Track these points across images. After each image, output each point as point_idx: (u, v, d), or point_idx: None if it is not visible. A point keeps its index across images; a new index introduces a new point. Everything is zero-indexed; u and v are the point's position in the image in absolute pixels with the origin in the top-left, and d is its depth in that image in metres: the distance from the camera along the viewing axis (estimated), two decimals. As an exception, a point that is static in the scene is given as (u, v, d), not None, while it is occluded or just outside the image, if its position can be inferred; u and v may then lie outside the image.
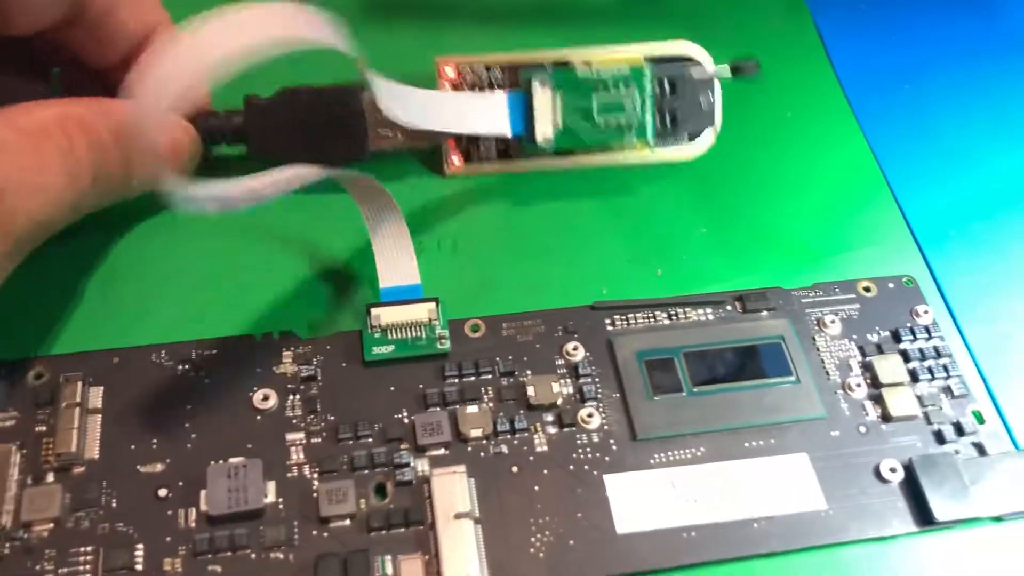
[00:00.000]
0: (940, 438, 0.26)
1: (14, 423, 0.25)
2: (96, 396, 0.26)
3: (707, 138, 0.32)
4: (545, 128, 0.30)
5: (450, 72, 0.31)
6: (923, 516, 0.25)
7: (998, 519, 0.25)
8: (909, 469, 0.26)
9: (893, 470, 0.26)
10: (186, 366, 0.27)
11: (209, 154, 0.30)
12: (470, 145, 0.31)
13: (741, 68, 0.31)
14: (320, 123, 0.29)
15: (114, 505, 0.24)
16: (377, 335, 0.27)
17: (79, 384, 0.26)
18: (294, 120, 0.29)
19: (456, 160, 0.31)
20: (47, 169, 0.23)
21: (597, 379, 0.27)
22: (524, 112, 0.30)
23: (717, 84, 0.31)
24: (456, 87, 0.31)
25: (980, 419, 0.27)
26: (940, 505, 0.25)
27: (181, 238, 0.30)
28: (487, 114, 0.30)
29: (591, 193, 0.32)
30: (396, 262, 0.28)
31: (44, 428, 0.25)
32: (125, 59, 0.27)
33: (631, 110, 0.30)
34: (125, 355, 0.27)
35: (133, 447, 0.25)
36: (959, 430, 0.27)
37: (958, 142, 0.34)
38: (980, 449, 0.26)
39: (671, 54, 0.31)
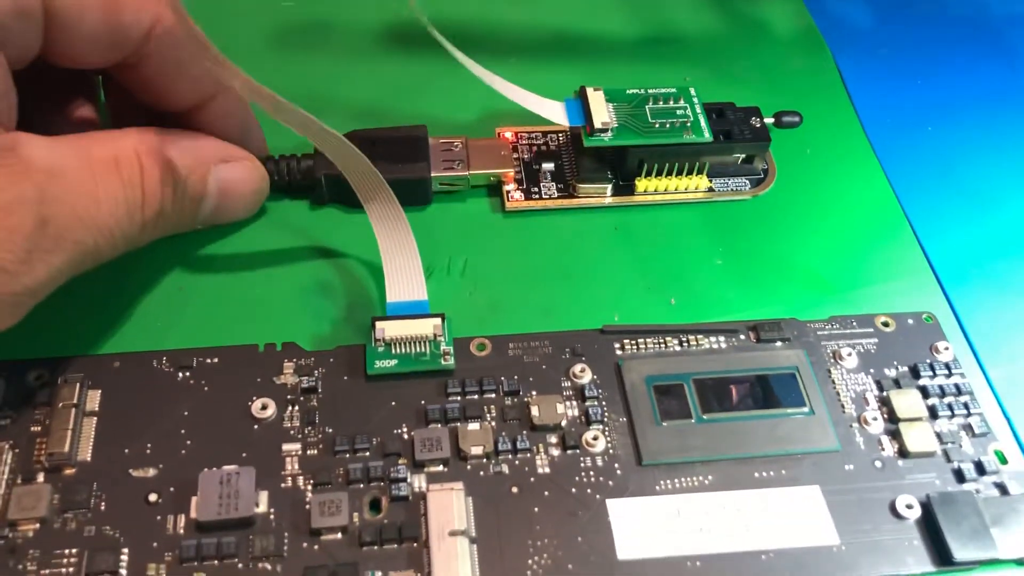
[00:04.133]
0: (960, 476, 0.25)
1: (9, 422, 0.25)
2: (94, 399, 0.26)
3: (769, 176, 0.32)
4: (602, 116, 0.31)
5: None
6: (941, 556, 0.24)
7: (1021, 563, 0.24)
8: (927, 506, 0.25)
9: (910, 507, 0.25)
10: (186, 373, 0.26)
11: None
12: (529, 184, 0.32)
13: (786, 120, 0.32)
14: (388, 161, 0.29)
15: (103, 508, 0.24)
16: (381, 349, 0.26)
17: (77, 386, 0.25)
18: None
19: (517, 194, 0.31)
20: (103, 202, 0.23)
21: (604, 402, 0.26)
22: (581, 111, 0.31)
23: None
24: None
25: (1003, 459, 0.26)
26: (959, 545, 0.24)
27: (190, 246, 0.30)
28: (547, 106, 0.31)
29: (609, 221, 0.31)
30: (404, 277, 0.28)
31: (39, 428, 0.25)
32: (180, 110, 0.27)
33: (683, 115, 0.31)
34: (126, 360, 0.26)
35: (127, 451, 0.25)
36: (980, 469, 0.26)
37: (980, 182, 0.33)
38: (1002, 489, 0.25)
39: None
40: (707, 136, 0.31)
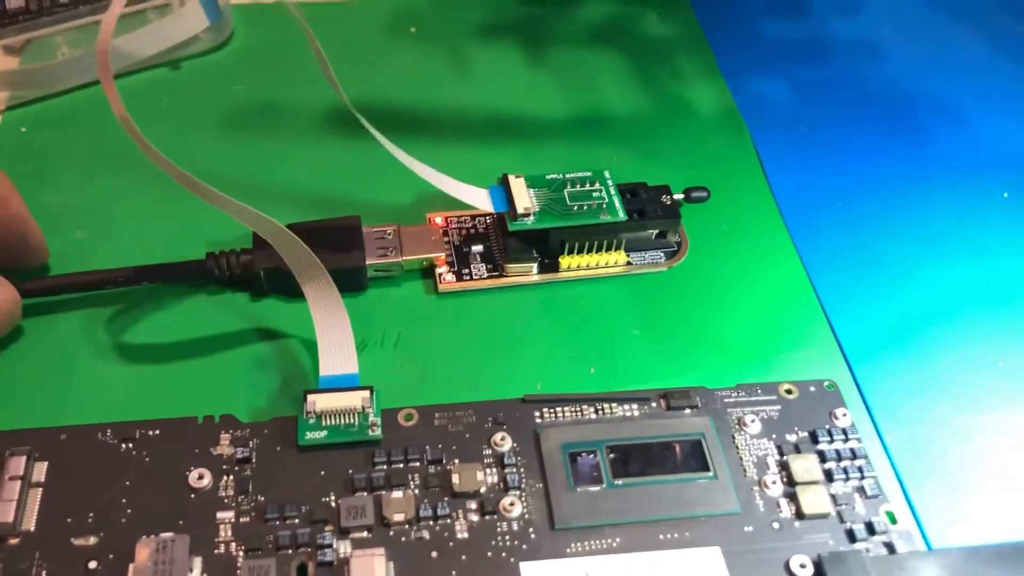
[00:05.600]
0: (852, 536, 0.27)
1: (-43, 494, 0.26)
2: (40, 471, 0.27)
3: (682, 248, 0.35)
4: (524, 203, 0.33)
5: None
6: (831, 613, 0.26)
7: (905, 618, 0.26)
8: (818, 565, 0.26)
9: (803, 566, 0.26)
10: (129, 444, 0.28)
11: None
12: (460, 266, 0.34)
13: (694, 195, 0.35)
14: (325, 251, 0.31)
15: (44, 576, 0.25)
16: (312, 421, 0.28)
17: (24, 458, 0.27)
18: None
19: (449, 276, 0.33)
20: None
21: (522, 469, 0.28)
22: (504, 196, 0.33)
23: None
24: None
25: (893, 519, 0.28)
26: (847, 602, 0.25)
27: (133, 321, 0.31)
28: (473, 193, 0.34)
29: (536, 298, 0.33)
30: (336, 352, 0.29)
31: (-15, 500, 0.26)
32: None
33: (599, 196, 0.33)
34: (72, 432, 0.28)
35: (70, 520, 0.26)
36: (871, 529, 0.27)
37: (886, 256, 0.35)
38: (890, 548, 0.27)
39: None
40: (621, 215, 0.33)
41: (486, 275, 0.33)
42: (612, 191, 0.34)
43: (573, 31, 0.45)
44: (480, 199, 0.33)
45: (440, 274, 0.33)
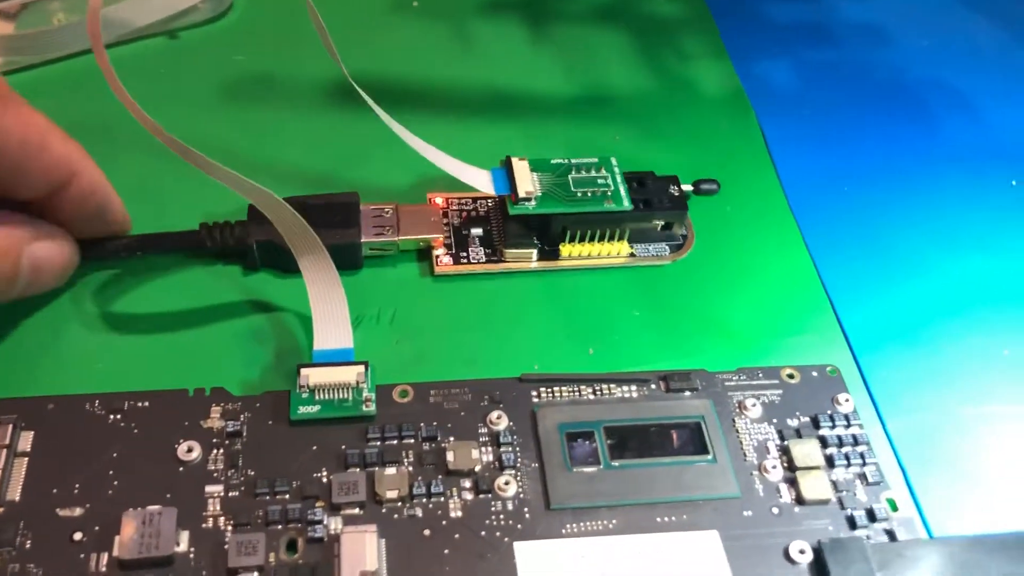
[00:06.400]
0: (852, 523, 0.27)
1: (-59, 462, 0.26)
2: (27, 440, 0.27)
3: (688, 241, 0.34)
4: (527, 186, 0.32)
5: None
6: (829, 600, 0.25)
7: (905, 606, 0.25)
8: (818, 552, 0.26)
9: (802, 552, 0.26)
10: (117, 416, 0.27)
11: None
12: (458, 249, 0.33)
13: (704, 187, 0.34)
14: (321, 227, 0.30)
15: (28, 546, 0.25)
16: (305, 395, 0.28)
17: (10, 427, 0.26)
18: None
19: (446, 259, 0.33)
20: None
21: (518, 448, 0.28)
22: (506, 179, 0.32)
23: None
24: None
25: (894, 506, 0.27)
26: (846, 589, 0.25)
27: (126, 293, 0.31)
28: (475, 174, 0.33)
29: (533, 280, 0.33)
30: (331, 326, 0.29)
31: (-30, 469, 0.26)
32: (32, 201, 0.28)
33: (604, 184, 0.32)
34: (60, 402, 0.27)
35: (55, 491, 0.26)
36: (871, 516, 0.27)
37: (891, 243, 0.35)
38: (891, 535, 0.27)
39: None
40: (627, 205, 0.32)
41: (484, 259, 0.33)
42: (619, 179, 0.33)
43: (578, 8, 0.44)
44: (481, 181, 0.33)
45: (437, 256, 0.33)
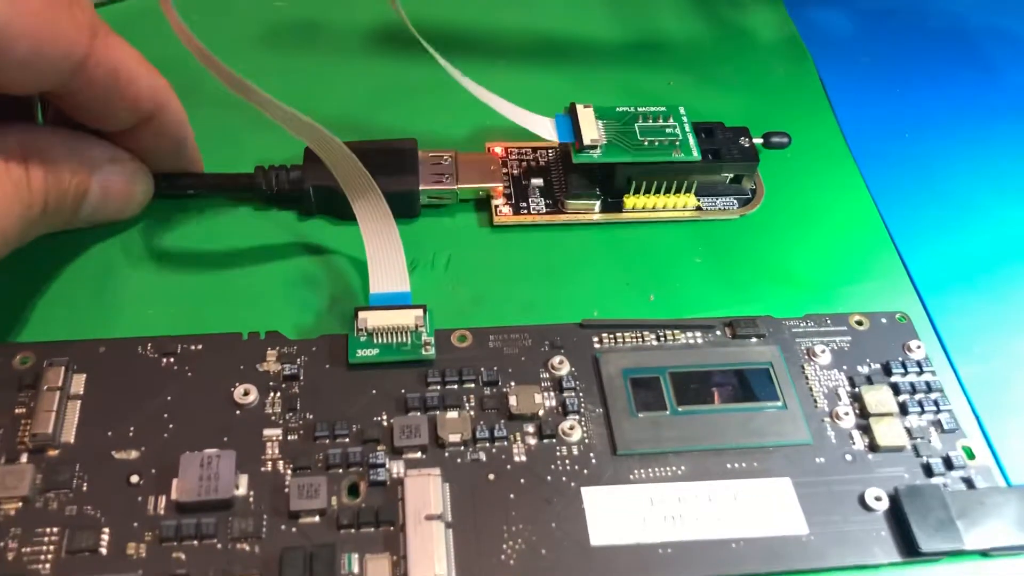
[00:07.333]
0: (928, 471, 0.26)
1: (-6, 404, 0.25)
2: (79, 383, 0.26)
3: (757, 195, 0.33)
4: (591, 133, 0.31)
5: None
6: (908, 547, 0.24)
7: (985, 554, 0.24)
8: (895, 499, 0.25)
9: (878, 499, 0.25)
10: (171, 359, 0.27)
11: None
12: (518, 200, 0.32)
13: (775, 140, 0.33)
14: (377, 174, 0.29)
15: (84, 489, 0.24)
16: (363, 338, 0.27)
17: (62, 369, 0.26)
18: None
19: (505, 209, 0.32)
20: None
21: (581, 394, 0.27)
22: (570, 127, 0.31)
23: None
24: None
25: (970, 454, 0.26)
26: (925, 536, 0.24)
27: (178, 236, 0.30)
28: (537, 121, 0.32)
29: (594, 232, 0.32)
30: (387, 270, 0.28)
31: (23, 411, 0.25)
32: (117, 130, 0.28)
33: (672, 133, 0.31)
34: (112, 345, 0.27)
35: (110, 433, 0.25)
36: (948, 464, 0.26)
37: (955, 189, 0.34)
38: (969, 483, 0.26)
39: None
40: (696, 155, 0.31)
41: (544, 211, 0.32)
42: (687, 128, 0.32)
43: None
44: (544, 128, 0.32)
45: (496, 206, 0.32)
